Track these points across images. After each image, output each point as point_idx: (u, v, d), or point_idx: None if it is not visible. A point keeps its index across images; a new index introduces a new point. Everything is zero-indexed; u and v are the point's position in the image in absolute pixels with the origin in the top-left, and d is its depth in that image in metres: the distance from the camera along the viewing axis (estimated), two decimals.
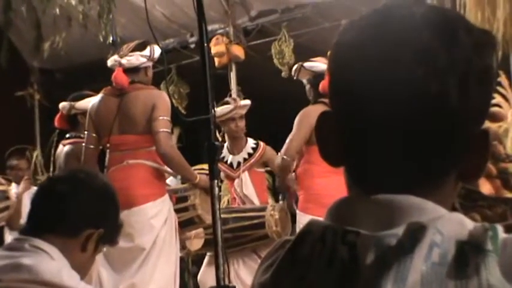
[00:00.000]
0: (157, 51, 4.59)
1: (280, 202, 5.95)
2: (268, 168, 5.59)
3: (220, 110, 5.23)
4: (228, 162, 5.48)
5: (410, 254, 0.75)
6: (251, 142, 5.50)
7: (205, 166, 5.39)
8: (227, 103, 5.43)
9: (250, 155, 5.47)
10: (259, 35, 7.82)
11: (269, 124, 5.11)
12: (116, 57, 4.59)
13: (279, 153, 4.78)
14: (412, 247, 0.75)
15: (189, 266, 7.17)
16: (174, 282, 4.43)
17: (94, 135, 4.54)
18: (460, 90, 0.79)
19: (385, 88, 0.79)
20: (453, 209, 0.83)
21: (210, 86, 3.09)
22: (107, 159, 4.50)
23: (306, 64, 4.86)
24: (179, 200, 4.59)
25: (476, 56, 0.80)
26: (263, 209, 5.12)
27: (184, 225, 4.60)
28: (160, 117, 4.33)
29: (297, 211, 4.82)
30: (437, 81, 0.78)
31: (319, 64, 4.82)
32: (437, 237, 0.75)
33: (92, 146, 4.53)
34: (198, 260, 5.88)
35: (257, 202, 5.38)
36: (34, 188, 6.78)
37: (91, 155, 4.54)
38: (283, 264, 0.81)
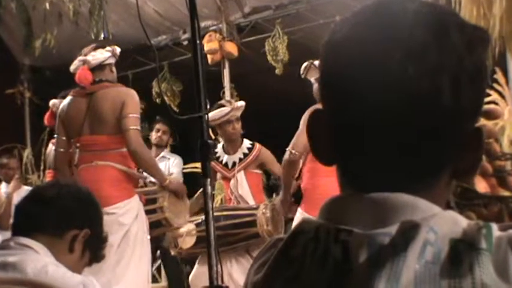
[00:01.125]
0: (117, 49, 4.66)
1: (274, 197, 5.95)
2: (265, 168, 5.59)
3: (216, 113, 5.23)
4: (223, 162, 5.48)
5: (403, 252, 0.75)
6: (247, 143, 5.50)
7: (198, 164, 5.41)
8: (222, 106, 5.42)
9: (245, 155, 5.47)
10: (252, 32, 7.81)
11: (263, 122, 5.12)
12: (79, 58, 4.62)
13: (287, 150, 4.72)
14: (405, 246, 0.75)
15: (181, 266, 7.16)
16: (147, 281, 4.43)
17: (64, 138, 4.57)
18: (452, 88, 0.79)
19: (377, 86, 0.79)
20: (448, 207, 0.83)
21: (203, 84, 3.09)
22: (76, 157, 4.49)
23: (316, 62, 4.85)
24: (148, 201, 4.60)
25: (469, 54, 0.80)
26: (255, 208, 5.12)
27: (151, 227, 4.58)
28: (130, 115, 4.34)
29: (299, 210, 4.80)
30: (428, 79, 0.78)
31: None
32: (431, 236, 0.76)
33: (62, 150, 4.56)
34: (191, 260, 5.87)
35: (252, 202, 5.37)
36: (24, 188, 6.78)
37: (62, 159, 4.57)
38: (276, 264, 0.82)
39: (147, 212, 4.51)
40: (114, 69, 4.63)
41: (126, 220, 4.34)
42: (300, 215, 4.73)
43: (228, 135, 5.42)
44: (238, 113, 5.37)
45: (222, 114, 5.28)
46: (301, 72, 4.93)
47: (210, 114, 4.60)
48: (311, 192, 4.74)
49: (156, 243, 6.44)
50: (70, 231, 2.22)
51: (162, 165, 7.09)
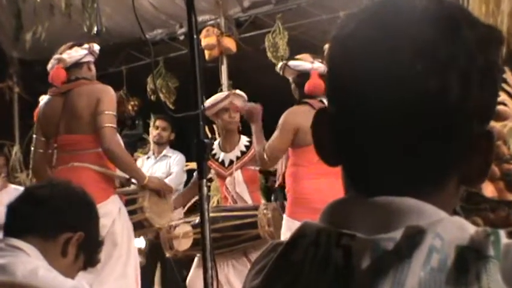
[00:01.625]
0: (96, 47, 4.66)
1: (273, 202, 5.95)
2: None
3: (213, 98, 5.22)
4: (220, 160, 5.46)
5: (408, 259, 0.75)
6: (244, 140, 5.47)
7: (194, 164, 5.41)
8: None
9: (243, 153, 5.45)
10: (252, 27, 7.81)
11: (262, 120, 5.13)
12: (54, 56, 4.64)
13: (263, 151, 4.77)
14: (410, 252, 0.75)
15: (175, 271, 7.16)
16: (135, 285, 4.41)
17: (43, 139, 4.59)
18: (461, 87, 0.79)
19: (383, 84, 0.79)
20: (454, 212, 0.83)
21: (200, 80, 3.09)
22: (54, 159, 4.52)
23: (291, 63, 4.88)
24: (128, 202, 4.59)
25: (480, 52, 0.80)
26: (255, 208, 5.09)
27: (134, 229, 4.56)
28: (106, 112, 4.34)
29: (284, 216, 4.81)
30: (437, 76, 0.78)
31: (304, 63, 4.84)
32: (437, 242, 0.76)
33: (40, 150, 4.59)
34: (187, 264, 5.87)
35: (250, 201, 5.36)
36: (12, 186, 6.78)
37: (41, 160, 4.59)
38: (275, 269, 0.82)
39: (128, 213, 4.50)
40: (92, 67, 4.65)
41: (104, 221, 4.31)
42: (286, 222, 4.75)
43: (225, 124, 5.38)
44: (238, 102, 5.33)
45: (219, 99, 5.24)
46: (278, 69, 4.98)
47: (207, 102, 4.59)
48: (295, 197, 4.75)
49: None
50: (63, 234, 2.21)
51: (163, 164, 7.09)
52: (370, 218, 0.79)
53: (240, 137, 5.48)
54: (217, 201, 5.66)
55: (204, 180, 3.02)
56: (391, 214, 0.78)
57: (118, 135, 4.53)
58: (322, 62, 4.88)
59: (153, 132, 7.18)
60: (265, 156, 4.68)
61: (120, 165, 4.45)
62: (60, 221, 2.23)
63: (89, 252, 2.30)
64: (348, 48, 0.83)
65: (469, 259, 0.75)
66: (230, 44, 7.62)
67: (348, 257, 0.77)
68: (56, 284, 2.07)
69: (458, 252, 0.75)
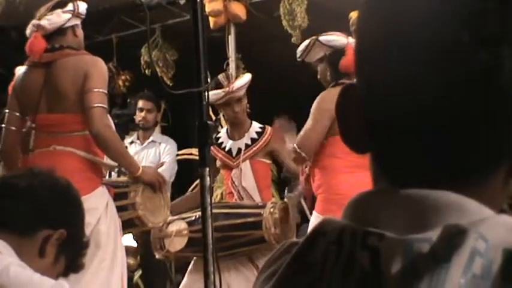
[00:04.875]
0: (82, 6, 4.58)
1: (286, 197, 5.94)
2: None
3: (211, 95, 5.20)
4: (227, 148, 5.45)
5: (446, 263, 0.75)
6: (256, 126, 5.46)
7: (195, 150, 5.41)
8: (219, 84, 5.37)
9: (254, 140, 5.43)
10: None
11: (275, 100, 5.10)
12: (32, 22, 4.57)
13: (294, 144, 4.76)
14: (448, 255, 0.75)
15: (171, 275, 7.20)
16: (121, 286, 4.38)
17: (17, 114, 4.54)
18: None
19: (423, 57, 0.79)
20: (500, 211, 0.83)
21: (203, 53, 3.09)
22: (31, 140, 4.46)
23: (323, 38, 4.87)
24: (118, 196, 4.54)
25: None
26: (261, 206, 5.08)
27: (123, 227, 4.54)
28: (95, 90, 4.29)
29: (315, 213, 4.82)
30: (486, 50, 0.78)
31: (339, 38, 4.85)
32: (480, 244, 0.76)
33: (13, 128, 4.53)
34: (182, 268, 5.89)
35: (258, 198, 5.36)
36: None
37: (12, 139, 4.54)
38: (289, 272, 0.82)
39: (117, 209, 4.47)
40: (79, 31, 4.59)
41: (88, 218, 4.28)
42: (315, 220, 4.75)
43: (230, 119, 5.42)
44: (239, 93, 5.33)
45: (216, 98, 5.25)
46: (299, 54, 4.95)
47: None
48: (327, 192, 4.75)
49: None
50: (42, 231, 2.22)
51: (152, 152, 7.11)
52: (401, 215, 0.79)
53: (251, 123, 5.46)
54: (221, 195, 5.65)
55: (207, 169, 3.02)
56: (427, 210, 0.78)
57: (109, 117, 4.50)
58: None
59: (137, 116, 7.18)
60: (301, 151, 4.67)
61: (111, 152, 4.39)
62: (38, 216, 2.24)
63: (71, 255, 2.30)
64: (382, 17, 0.83)
65: None
66: (239, 10, 7.60)
67: (376, 260, 0.77)
68: (32, 284, 2.08)
69: (505, 257, 0.75)
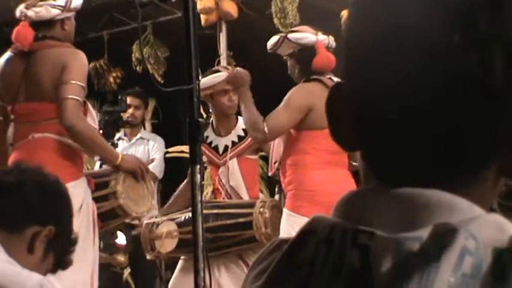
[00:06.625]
0: (76, 1, 4.51)
1: (276, 196, 5.93)
2: (263, 153, 5.54)
3: (209, 79, 5.14)
4: (213, 145, 5.42)
5: (436, 262, 0.75)
6: (242, 122, 5.43)
7: (186, 148, 5.39)
8: (217, 72, 5.35)
9: (240, 138, 5.40)
10: None
11: (265, 98, 5.08)
12: (20, 9, 4.51)
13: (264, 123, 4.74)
14: (438, 254, 0.75)
15: (161, 272, 7.19)
16: (90, 286, 4.27)
17: (1, 103, 4.49)
18: (505, 63, 0.78)
19: (413, 57, 0.79)
20: (490, 209, 0.83)
21: (195, 50, 3.08)
22: (11, 133, 4.43)
23: (292, 35, 4.88)
24: (99, 186, 4.41)
25: None
26: (251, 205, 5.06)
27: (106, 218, 4.44)
28: (72, 82, 4.21)
29: (285, 210, 4.81)
30: (478, 50, 0.78)
31: (308, 35, 4.85)
32: (470, 243, 0.75)
33: (0, 118, 4.49)
34: (172, 265, 5.89)
35: (246, 196, 5.34)
36: None
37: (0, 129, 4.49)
38: (279, 270, 0.82)
39: (98, 200, 4.36)
40: (68, 23, 4.52)
41: None
42: (286, 217, 4.74)
43: (223, 108, 5.33)
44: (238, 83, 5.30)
45: (217, 81, 5.17)
46: (269, 46, 4.96)
47: (202, 81, 4.55)
48: (297, 188, 4.75)
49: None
50: (31, 227, 2.22)
51: (140, 149, 7.10)
52: (392, 213, 0.79)
53: (237, 119, 5.42)
54: (212, 192, 5.64)
55: (198, 167, 3.02)
56: (418, 209, 0.78)
57: (90, 107, 4.43)
58: (326, 34, 4.90)
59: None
60: (264, 127, 4.65)
61: (86, 143, 4.28)
62: (27, 212, 2.25)
63: (59, 251, 2.30)
64: (371, 17, 0.83)
65: (508, 264, 0.75)
66: (230, 7, 7.60)
67: (366, 259, 0.77)
68: (19, 280, 2.07)
69: (495, 255, 0.75)
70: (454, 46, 0.78)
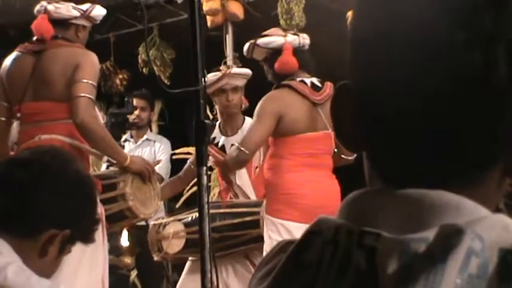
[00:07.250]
0: (98, 11, 4.51)
1: None
2: None
3: (208, 78, 5.16)
4: (220, 144, 5.43)
5: (441, 263, 0.75)
6: (249, 122, 5.43)
7: (192, 149, 5.40)
8: (219, 71, 5.37)
9: None
10: None
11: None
12: (41, 3, 4.48)
13: (236, 144, 4.80)
14: (444, 255, 0.75)
15: (168, 273, 7.19)
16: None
17: (6, 104, 4.45)
18: (508, 63, 0.78)
19: (417, 57, 0.79)
20: (496, 210, 0.83)
21: (201, 51, 3.09)
22: (17, 133, 4.40)
23: (260, 41, 4.88)
24: (106, 188, 4.37)
25: None
26: (258, 205, 5.07)
27: (114, 220, 4.42)
28: (84, 80, 4.19)
29: (264, 215, 4.81)
30: (482, 49, 0.78)
31: (275, 38, 4.85)
32: (476, 244, 0.75)
33: (3, 119, 4.45)
34: (179, 266, 5.89)
35: (253, 195, 5.35)
36: None
37: (3, 131, 4.46)
38: (285, 272, 0.82)
39: (106, 202, 4.31)
40: (82, 34, 4.51)
41: None
42: (265, 222, 4.77)
43: (223, 107, 5.36)
44: (237, 82, 5.30)
45: (212, 81, 5.17)
46: (245, 53, 4.98)
47: None
48: (274, 192, 4.76)
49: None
50: (46, 232, 2.10)
51: (147, 151, 7.11)
52: (398, 214, 0.79)
53: (244, 119, 5.43)
54: (219, 193, 5.64)
55: (204, 168, 3.02)
56: (424, 210, 0.78)
57: (96, 109, 4.41)
58: (296, 34, 4.89)
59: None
60: (244, 149, 4.68)
61: (96, 141, 4.25)
62: (44, 216, 2.11)
63: (81, 238, 2.20)
64: (375, 16, 0.83)
65: None
66: (236, 9, 7.60)
67: (372, 260, 0.77)
68: (29, 286, 2.03)
69: (501, 256, 0.75)
70: (457, 46, 0.78)
